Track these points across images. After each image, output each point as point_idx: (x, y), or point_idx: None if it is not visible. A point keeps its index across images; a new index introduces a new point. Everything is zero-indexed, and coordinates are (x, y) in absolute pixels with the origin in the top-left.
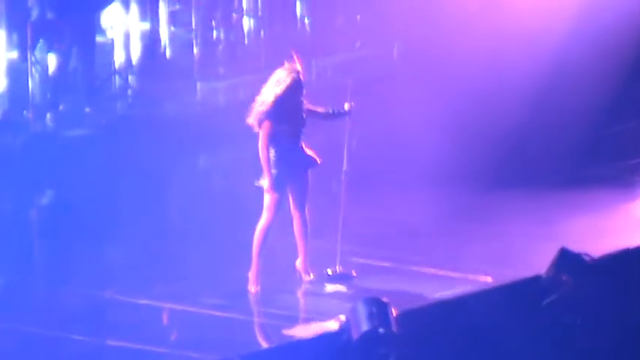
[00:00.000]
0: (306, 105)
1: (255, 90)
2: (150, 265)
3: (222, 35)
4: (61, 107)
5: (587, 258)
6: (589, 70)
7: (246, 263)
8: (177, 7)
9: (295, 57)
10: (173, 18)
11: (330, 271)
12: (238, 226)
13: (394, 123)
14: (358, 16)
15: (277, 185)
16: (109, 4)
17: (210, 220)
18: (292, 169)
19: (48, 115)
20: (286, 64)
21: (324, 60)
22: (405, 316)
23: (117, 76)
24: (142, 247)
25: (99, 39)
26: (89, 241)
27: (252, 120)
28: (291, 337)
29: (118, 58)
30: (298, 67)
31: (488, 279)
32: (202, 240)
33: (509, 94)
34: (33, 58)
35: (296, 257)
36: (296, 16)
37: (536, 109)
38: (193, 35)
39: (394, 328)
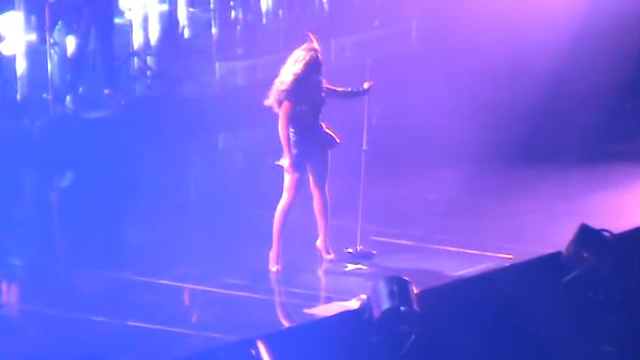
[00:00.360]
0: (325, 84)
1: (274, 70)
2: (170, 245)
3: (240, 15)
4: (80, 89)
5: (607, 234)
6: (608, 46)
7: (266, 243)
8: None
9: (313, 37)
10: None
11: (350, 250)
12: (259, 206)
13: (413, 101)
14: None
15: (297, 165)
16: None
17: (231, 200)
18: (312, 149)
19: (67, 97)
20: (304, 44)
21: (342, 39)
22: (426, 294)
23: (135, 58)
24: (163, 228)
25: (117, 20)
26: (109, 223)
27: (271, 101)
28: (312, 316)
29: (137, 40)
30: (316, 46)
31: (509, 256)
32: (222, 220)
33: (529, 72)
34: (52, 40)
35: (316, 236)
36: None
37: (556, 85)
38: (212, 16)
39: (415, 306)
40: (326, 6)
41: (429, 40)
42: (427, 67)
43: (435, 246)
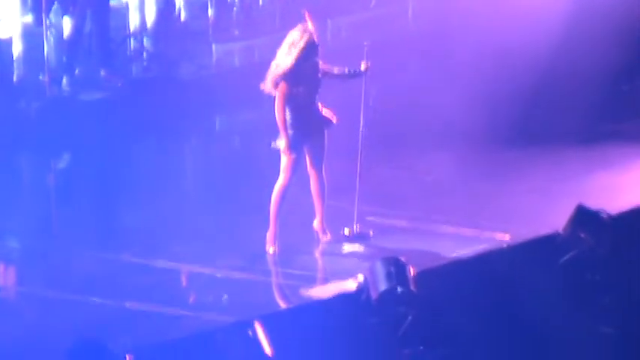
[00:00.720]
0: (322, 65)
1: (271, 51)
2: (167, 227)
3: None
4: (76, 71)
5: (604, 215)
6: (606, 26)
7: (263, 224)
8: None
9: (308, 17)
10: None
11: (347, 231)
12: (256, 188)
13: (410, 82)
14: None
15: (294, 146)
16: None
17: (228, 182)
18: (308, 130)
19: (64, 79)
20: (300, 25)
21: (338, 20)
22: (424, 276)
23: (132, 39)
24: (160, 210)
25: (113, 2)
26: (106, 205)
27: (268, 84)
28: (309, 297)
29: (133, 21)
30: (312, 27)
31: (506, 237)
32: (219, 202)
33: (527, 52)
34: (48, 22)
35: (313, 218)
36: None
37: (554, 65)
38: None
39: (412, 288)
40: None
41: (426, 21)
42: (424, 48)
43: (432, 227)
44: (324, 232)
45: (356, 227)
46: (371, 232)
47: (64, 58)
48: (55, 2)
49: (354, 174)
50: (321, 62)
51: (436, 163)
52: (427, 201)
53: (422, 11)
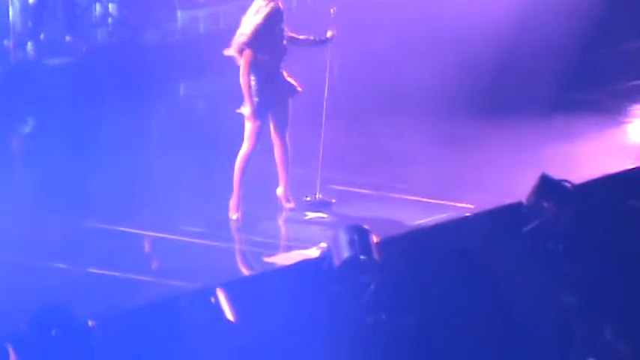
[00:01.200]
0: (287, 33)
1: (236, 18)
2: (131, 193)
3: None
4: (41, 36)
5: (568, 185)
6: None
7: (227, 191)
8: None
9: None
10: None
11: (309, 199)
12: (219, 154)
13: (375, 50)
14: None
15: (258, 113)
16: None
17: (192, 149)
18: (273, 97)
19: (29, 44)
20: None
21: None
22: (386, 244)
23: (97, 5)
24: (123, 176)
25: None
26: (70, 170)
27: (232, 50)
28: (272, 264)
29: None
30: None
31: (470, 206)
32: (183, 168)
33: (490, 20)
34: None
35: (277, 185)
36: None
37: (518, 35)
38: None
39: (375, 256)
40: None
41: None
42: (389, 16)
43: (396, 195)
44: (287, 199)
45: (319, 195)
46: (334, 200)
47: (29, 23)
48: None
49: (317, 142)
50: (286, 29)
51: (399, 131)
52: (390, 169)
53: None
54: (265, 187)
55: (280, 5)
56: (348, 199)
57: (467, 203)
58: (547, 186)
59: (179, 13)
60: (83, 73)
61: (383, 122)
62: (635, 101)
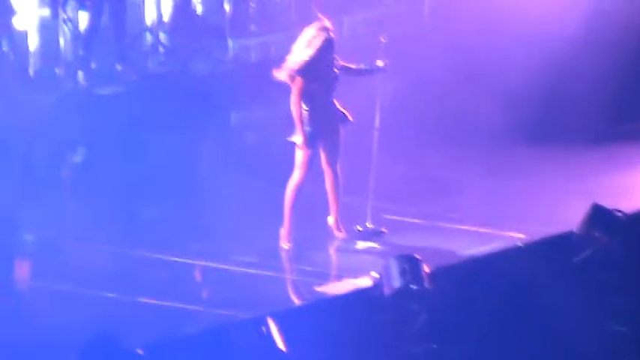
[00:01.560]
0: (338, 61)
1: (287, 47)
2: (182, 222)
3: None
4: (92, 65)
5: (620, 214)
6: (623, 26)
7: (278, 220)
8: None
9: (321, 15)
10: None
11: (359, 228)
12: (270, 183)
13: (425, 80)
14: None
15: (309, 141)
16: None
17: (242, 177)
18: (324, 126)
19: (79, 73)
20: (317, 22)
21: (355, 17)
22: (437, 273)
23: (148, 33)
24: (174, 205)
25: None
26: (122, 199)
27: (282, 74)
28: (323, 294)
29: (149, 15)
30: (328, 24)
31: (521, 236)
32: (234, 197)
33: (544, 51)
34: (64, 15)
35: (328, 214)
36: None
37: (571, 65)
38: None
39: (426, 285)
40: None
41: (442, 18)
42: (439, 46)
43: (447, 225)
44: (338, 228)
45: (370, 224)
46: (384, 230)
47: (80, 52)
48: None
49: (368, 171)
50: (337, 58)
51: (451, 160)
52: (442, 199)
53: (437, 8)
54: (316, 216)
55: (332, 35)
56: (399, 228)
57: (518, 233)
58: (598, 215)
59: (230, 42)
60: (134, 102)
61: (433, 152)
62: None
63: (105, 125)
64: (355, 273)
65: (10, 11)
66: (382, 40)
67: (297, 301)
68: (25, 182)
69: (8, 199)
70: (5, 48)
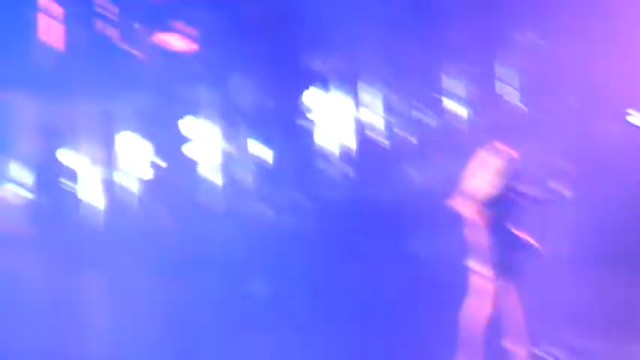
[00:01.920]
0: (522, 189)
1: (470, 174)
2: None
3: (433, 121)
4: (272, 195)
5: None
6: None
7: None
8: (392, 97)
9: (502, 146)
10: (388, 106)
11: (539, 352)
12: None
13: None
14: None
15: (498, 271)
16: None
17: (425, 306)
18: (507, 254)
19: (261, 204)
20: (504, 153)
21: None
22: None
23: (329, 162)
24: (359, 340)
25: (301, 122)
26: (297, 336)
27: (466, 208)
28: None
29: (332, 145)
30: (514, 154)
31: None
32: (421, 324)
33: None
34: (246, 149)
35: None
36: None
37: None
38: (405, 122)
39: None
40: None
41: None
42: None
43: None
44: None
45: (550, 350)
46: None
47: (261, 184)
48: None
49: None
50: (521, 186)
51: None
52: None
53: None
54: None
55: (518, 165)
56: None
57: None
58: None
59: (415, 172)
60: (314, 232)
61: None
62: None
63: (285, 258)
64: None
65: None
66: (569, 167)
67: None
68: None
69: None
70: None
